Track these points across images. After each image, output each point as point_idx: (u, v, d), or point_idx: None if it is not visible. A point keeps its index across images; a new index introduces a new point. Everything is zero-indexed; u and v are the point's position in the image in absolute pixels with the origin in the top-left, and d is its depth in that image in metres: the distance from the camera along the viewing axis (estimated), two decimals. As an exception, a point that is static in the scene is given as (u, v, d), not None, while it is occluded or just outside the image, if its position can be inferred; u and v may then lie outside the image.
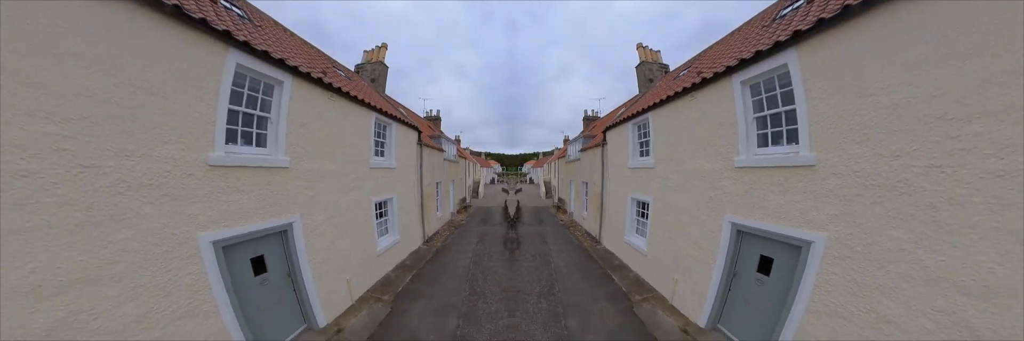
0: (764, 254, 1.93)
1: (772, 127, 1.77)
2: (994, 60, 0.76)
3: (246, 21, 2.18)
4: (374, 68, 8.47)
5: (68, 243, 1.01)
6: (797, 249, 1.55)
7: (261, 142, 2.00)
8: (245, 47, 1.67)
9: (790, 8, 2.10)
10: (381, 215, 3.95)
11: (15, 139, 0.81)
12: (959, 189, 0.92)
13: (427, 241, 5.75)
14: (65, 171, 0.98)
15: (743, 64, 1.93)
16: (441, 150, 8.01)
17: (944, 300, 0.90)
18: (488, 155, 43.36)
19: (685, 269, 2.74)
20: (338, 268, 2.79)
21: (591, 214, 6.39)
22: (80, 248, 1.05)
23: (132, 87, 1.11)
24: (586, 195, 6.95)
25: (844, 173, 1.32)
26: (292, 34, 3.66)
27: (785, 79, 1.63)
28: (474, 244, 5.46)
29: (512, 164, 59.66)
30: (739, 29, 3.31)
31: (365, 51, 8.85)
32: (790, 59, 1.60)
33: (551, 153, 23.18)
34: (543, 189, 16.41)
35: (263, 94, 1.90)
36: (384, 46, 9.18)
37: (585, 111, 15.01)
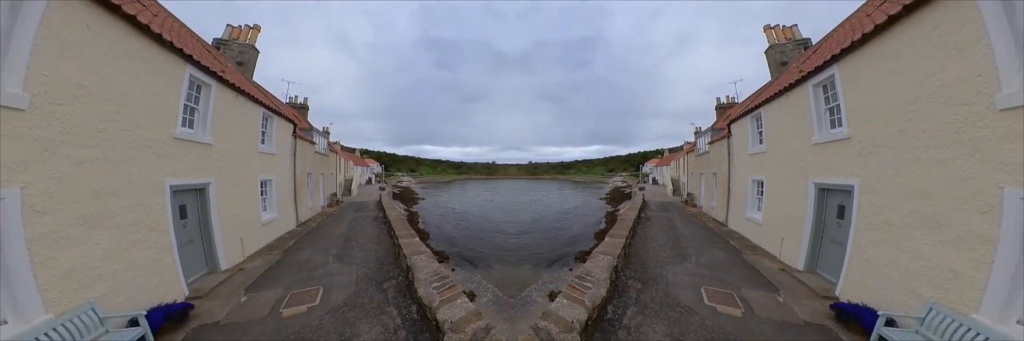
0: (841, 203, 5.91)
1: (834, 115, 6.16)
2: (919, 70, 4.16)
3: (137, 3, 5.43)
4: (242, 50, 13.41)
5: (110, 170, 4.44)
6: (850, 193, 5.46)
7: (192, 125, 6.36)
8: (197, 63, 6.05)
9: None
10: (263, 193, 9.47)
11: (97, 112, 4.23)
12: (910, 141, 4.32)
13: (301, 224, 12.14)
14: (114, 131, 4.50)
15: (810, 74, 6.53)
16: (312, 142, 15.63)
17: (911, 205, 4.29)
18: (365, 153, 66.72)
19: (787, 228, 7.37)
20: (235, 226, 7.50)
21: (718, 202, 13.05)
22: (116, 175, 4.51)
23: (144, 88, 4.98)
24: (714, 184, 14.03)
25: (863, 140, 5.21)
26: (169, 13, 7.76)
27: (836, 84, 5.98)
28: (348, 222, 13.03)
29: (621, 163, 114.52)
30: (861, 7, 7.31)
31: (230, 26, 13.52)
32: (835, 71, 5.85)
33: (679, 148, 36.60)
34: (670, 187, 27.04)
35: (197, 92, 6.43)
36: (257, 28, 14.13)
37: (717, 99, 22.06)
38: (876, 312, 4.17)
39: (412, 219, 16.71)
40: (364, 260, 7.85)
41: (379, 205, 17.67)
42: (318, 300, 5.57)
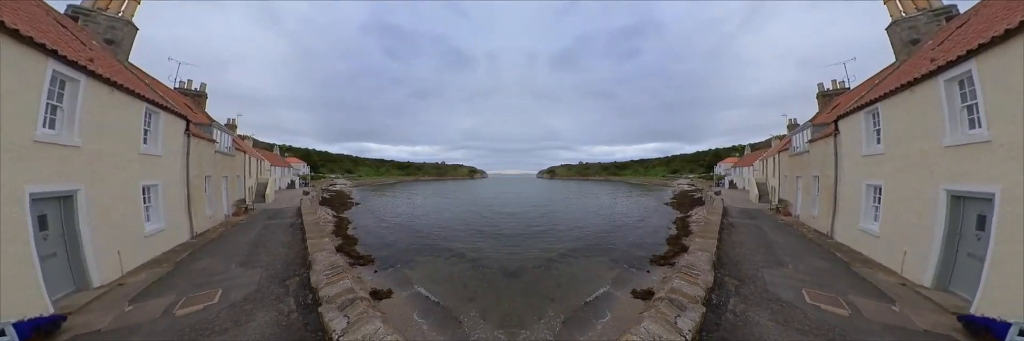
0: (980, 213, 7.55)
1: (972, 114, 7.85)
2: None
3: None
4: (112, 25, 15.06)
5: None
6: (990, 201, 7.07)
7: (57, 126, 8.13)
8: (62, 58, 7.67)
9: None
10: (146, 201, 11.64)
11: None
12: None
13: (197, 236, 14.58)
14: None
15: (940, 69, 8.22)
16: (212, 140, 18.41)
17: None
18: (288, 150, 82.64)
19: (911, 239, 9.36)
20: (111, 238, 9.35)
21: (822, 210, 15.77)
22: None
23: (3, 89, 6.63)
24: (816, 190, 16.84)
25: (1006, 144, 6.75)
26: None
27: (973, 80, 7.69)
28: (257, 230, 16.36)
29: (686, 163, 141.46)
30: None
31: (95, -10, 16.45)
32: (973, 67, 7.49)
33: (766, 145, 43.15)
34: (754, 191, 30.83)
35: (60, 89, 8.08)
36: (137, -1, 17.32)
37: (820, 85, 24.82)
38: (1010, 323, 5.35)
39: (340, 225, 22.66)
40: (271, 263, 10.57)
41: (299, 212, 21.51)
42: (216, 299, 7.61)
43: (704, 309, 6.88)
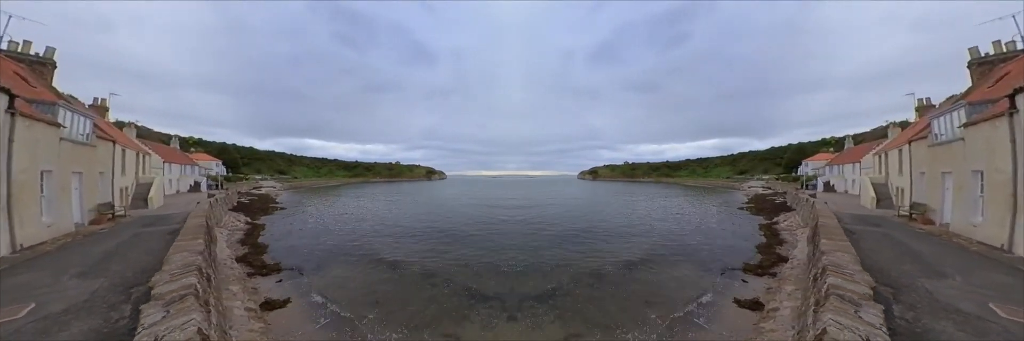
0: None
1: None
2: None
3: None
4: None
5: None
6: None
7: None
8: None
9: None
10: None
11: None
12: None
13: (22, 249, 14.61)
14: None
15: None
16: (57, 124, 18.80)
17: None
18: (196, 144, 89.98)
19: None
20: None
21: (991, 215, 15.85)
22: None
23: None
24: (980, 190, 16.88)
25: None
26: None
27: None
28: (123, 238, 17.47)
29: (757, 162, 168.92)
30: None
31: None
32: None
33: (876, 135, 45.72)
34: (869, 194, 32.03)
35: None
36: None
37: (973, 51, 24.45)
38: None
39: (252, 232, 25.56)
40: (120, 272, 11.05)
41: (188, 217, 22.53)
42: (22, 314, 7.87)
43: (882, 306, 8.03)
